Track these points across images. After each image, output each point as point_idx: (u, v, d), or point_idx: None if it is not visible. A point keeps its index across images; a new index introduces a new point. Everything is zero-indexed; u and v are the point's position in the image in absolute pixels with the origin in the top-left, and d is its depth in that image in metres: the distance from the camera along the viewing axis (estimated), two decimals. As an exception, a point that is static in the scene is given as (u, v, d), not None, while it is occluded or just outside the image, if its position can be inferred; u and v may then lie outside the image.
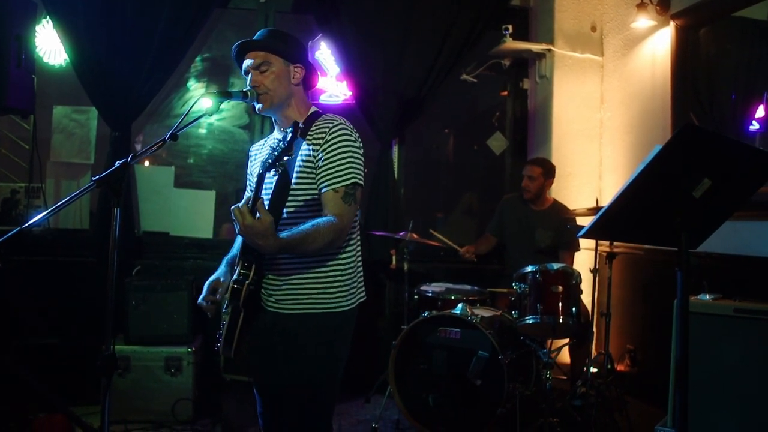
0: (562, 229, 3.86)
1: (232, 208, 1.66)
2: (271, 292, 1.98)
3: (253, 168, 2.18)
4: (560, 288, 3.31)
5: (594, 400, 3.36)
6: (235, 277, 1.87)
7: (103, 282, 1.77)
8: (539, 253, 3.92)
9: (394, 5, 4.22)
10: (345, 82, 4.30)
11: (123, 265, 3.81)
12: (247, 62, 1.98)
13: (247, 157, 2.27)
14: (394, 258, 4.15)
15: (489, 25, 4.36)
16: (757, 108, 3.51)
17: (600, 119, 4.60)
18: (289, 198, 1.92)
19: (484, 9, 4.29)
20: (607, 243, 3.78)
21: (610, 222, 1.73)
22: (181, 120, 1.88)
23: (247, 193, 2.22)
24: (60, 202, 1.81)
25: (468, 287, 3.84)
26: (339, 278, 1.97)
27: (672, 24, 3.79)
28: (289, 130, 1.68)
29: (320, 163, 1.90)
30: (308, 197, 1.93)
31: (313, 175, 1.91)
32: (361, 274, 2.08)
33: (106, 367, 1.72)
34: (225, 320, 1.96)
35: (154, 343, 3.55)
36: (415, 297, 3.80)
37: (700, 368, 2.64)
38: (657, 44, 3.96)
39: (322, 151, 1.89)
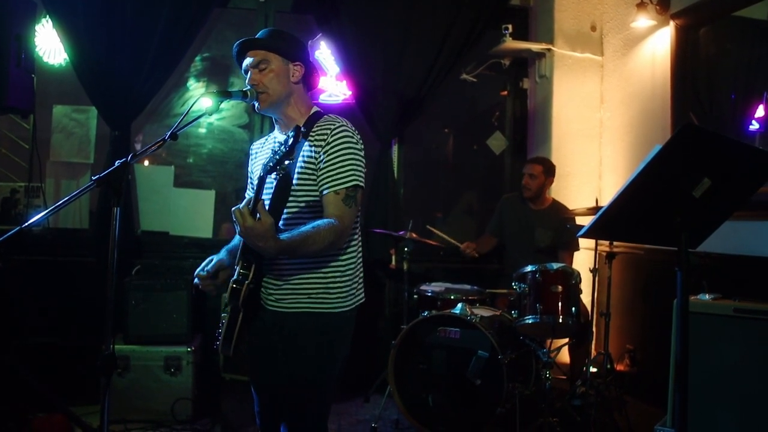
0: (561, 229, 3.86)
1: (233, 209, 1.67)
2: (272, 291, 1.99)
3: (254, 167, 2.18)
4: (560, 288, 3.31)
5: (593, 400, 3.36)
6: (234, 277, 1.87)
7: (102, 281, 1.77)
8: (538, 252, 3.92)
9: (394, 5, 4.22)
10: (344, 82, 4.30)
11: (122, 264, 3.81)
12: (246, 61, 1.98)
13: (247, 156, 2.27)
14: (393, 258, 4.15)
15: (489, 25, 4.36)
16: (756, 108, 3.51)
17: (600, 119, 4.60)
18: (290, 199, 1.92)
19: (484, 9, 4.29)
20: (606, 243, 3.78)
21: (610, 222, 1.73)
22: (181, 119, 1.89)
23: (248, 193, 2.23)
24: (60, 202, 1.81)
25: (468, 287, 3.84)
26: (339, 279, 1.97)
27: (672, 24, 3.79)
28: (290, 134, 1.68)
29: (321, 165, 1.90)
30: (309, 198, 1.93)
31: (314, 177, 1.91)
32: (362, 275, 2.08)
33: (106, 367, 1.72)
34: (224, 319, 1.97)
35: (154, 342, 3.55)
36: (415, 297, 3.80)
37: (699, 368, 2.64)
38: (657, 44, 3.96)
39: (324, 153, 1.89)
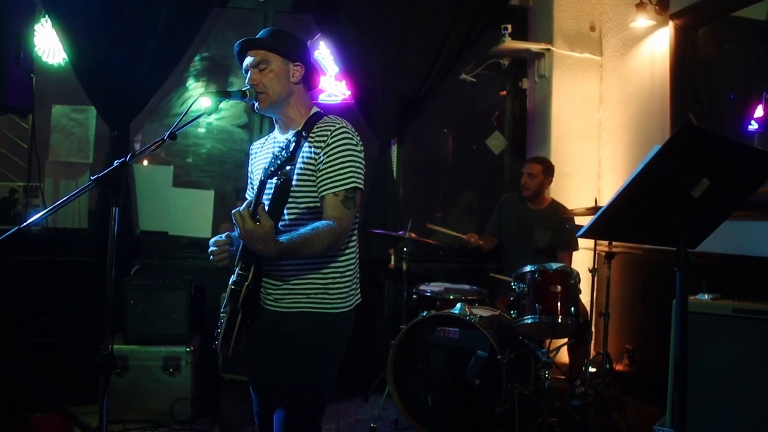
0: (560, 229, 3.87)
1: (233, 212, 1.67)
2: (270, 291, 1.99)
3: (254, 167, 2.18)
4: (559, 288, 3.31)
5: (592, 400, 3.37)
6: (234, 278, 1.88)
7: (101, 281, 1.78)
8: (538, 252, 3.92)
9: (394, 5, 4.22)
10: (344, 82, 4.30)
11: (121, 264, 3.81)
12: (247, 60, 1.98)
13: (247, 156, 2.27)
14: (392, 257, 4.15)
15: (488, 25, 4.36)
16: (755, 108, 3.51)
17: (599, 119, 4.60)
18: (290, 201, 1.92)
19: (484, 9, 4.30)
20: (605, 243, 3.79)
21: (609, 222, 1.73)
22: (180, 119, 1.89)
23: (248, 194, 2.23)
24: (58, 202, 1.81)
25: (467, 287, 3.84)
26: (338, 279, 1.97)
27: (671, 24, 3.79)
28: (292, 139, 1.68)
29: (321, 166, 1.90)
30: (309, 200, 1.93)
31: (314, 178, 1.92)
32: (359, 276, 2.08)
33: (105, 367, 1.72)
34: (223, 319, 1.97)
35: (153, 342, 3.54)
36: (414, 296, 3.80)
37: (698, 368, 2.64)
38: (656, 44, 3.96)
39: (324, 154, 1.90)
